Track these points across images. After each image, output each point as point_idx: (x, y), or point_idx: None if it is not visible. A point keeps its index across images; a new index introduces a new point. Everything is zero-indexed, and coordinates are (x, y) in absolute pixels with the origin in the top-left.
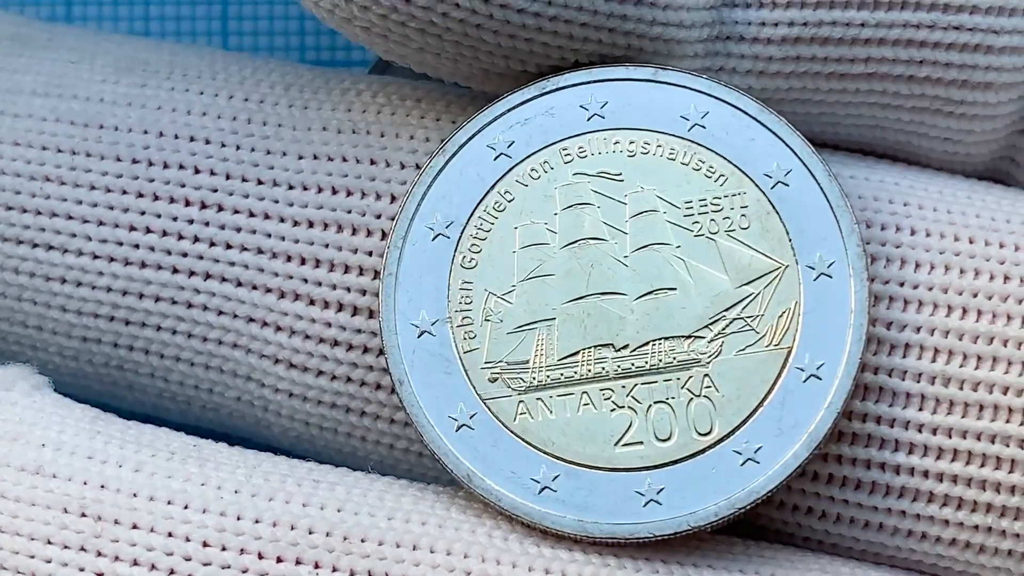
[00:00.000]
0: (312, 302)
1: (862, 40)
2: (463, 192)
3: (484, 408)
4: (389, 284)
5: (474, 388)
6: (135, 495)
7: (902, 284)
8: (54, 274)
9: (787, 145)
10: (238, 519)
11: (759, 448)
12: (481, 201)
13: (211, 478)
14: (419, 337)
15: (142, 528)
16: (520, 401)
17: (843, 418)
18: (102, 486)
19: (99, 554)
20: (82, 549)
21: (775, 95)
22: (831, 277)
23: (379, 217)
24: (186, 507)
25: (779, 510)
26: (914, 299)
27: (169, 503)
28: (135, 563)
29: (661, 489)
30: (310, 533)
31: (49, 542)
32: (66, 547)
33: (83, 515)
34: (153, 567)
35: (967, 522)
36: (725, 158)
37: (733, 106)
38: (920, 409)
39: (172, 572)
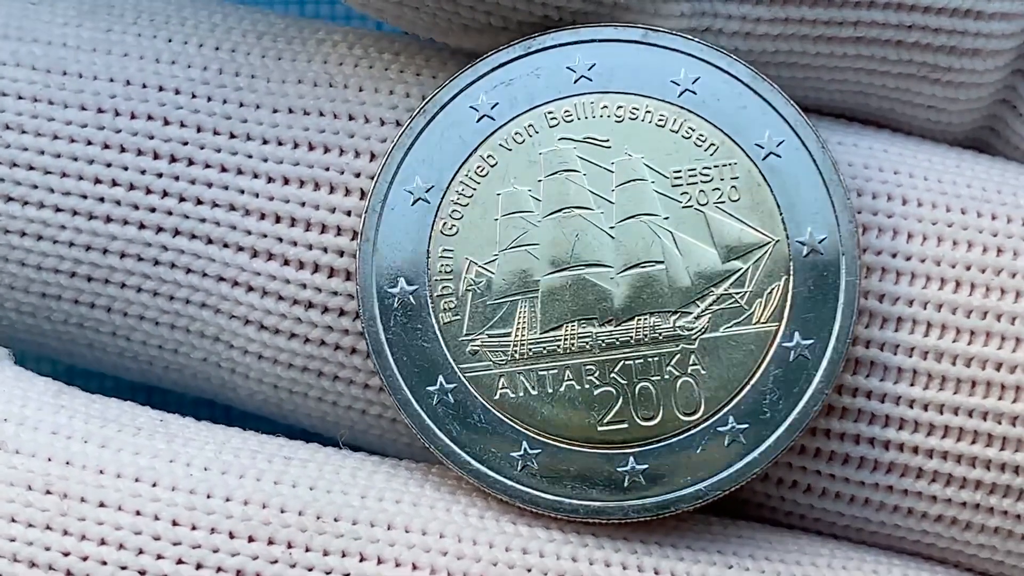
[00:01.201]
0: (287, 262)
1: (851, 2)
2: (444, 155)
3: (464, 382)
4: (366, 250)
5: (454, 361)
6: (102, 472)
7: (894, 255)
8: (13, 227)
9: (780, 114)
10: (208, 497)
11: (745, 428)
12: (463, 165)
13: (180, 455)
14: (397, 306)
15: (109, 506)
16: (501, 375)
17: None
18: (67, 462)
19: (65, 533)
20: (48, 528)
21: (760, 58)
22: (822, 254)
23: (358, 176)
24: (154, 485)
25: (763, 483)
26: (906, 271)
27: (137, 480)
28: (103, 542)
29: (644, 469)
30: (282, 512)
31: (13, 520)
32: (31, 525)
33: (48, 492)
34: (121, 546)
35: (955, 499)
36: (716, 126)
37: (725, 72)
38: (911, 384)
39: (141, 551)
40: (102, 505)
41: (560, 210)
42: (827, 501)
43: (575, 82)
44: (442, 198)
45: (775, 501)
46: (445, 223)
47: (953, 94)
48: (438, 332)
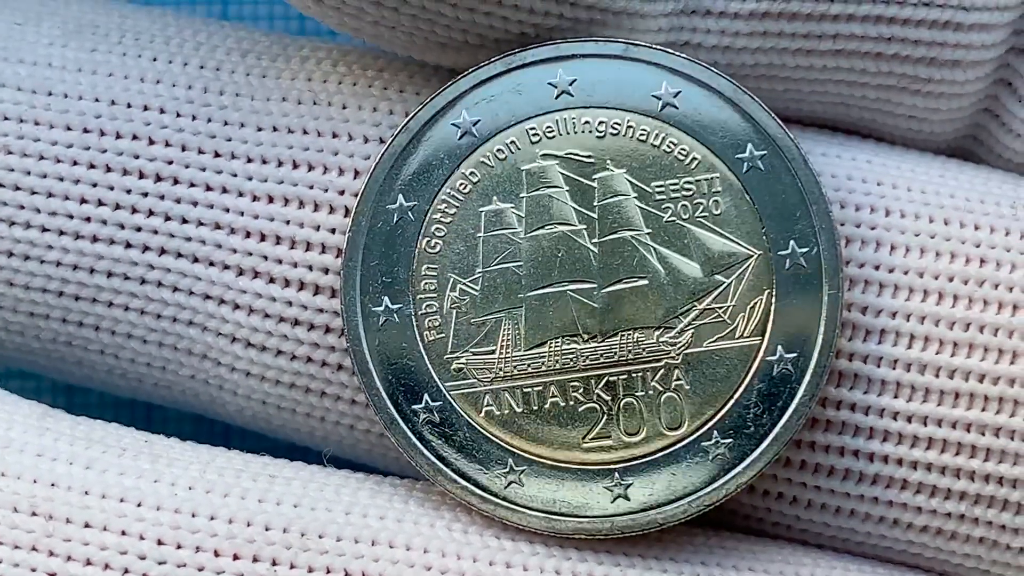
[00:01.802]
0: (272, 280)
1: (830, 16)
2: (427, 173)
3: (449, 399)
4: (351, 269)
5: (439, 379)
6: (87, 493)
7: (877, 267)
8: (0, 247)
9: (761, 127)
10: (193, 516)
11: (729, 443)
12: (445, 182)
13: (164, 475)
14: (382, 324)
15: (95, 527)
16: (486, 393)
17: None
18: (53, 484)
19: (51, 554)
20: (33, 549)
21: (740, 71)
22: (804, 267)
23: (342, 193)
24: (139, 505)
25: (749, 495)
26: (890, 283)
27: (122, 501)
28: (88, 563)
29: (629, 485)
30: (267, 530)
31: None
32: (17, 547)
33: (34, 514)
34: (107, 567)
35: (940, 510)
36: (697, 139)
37: (706, 85)
38: (895, 396)
39: (127, 572)
40: (87, 526)
41: (543, 226)
42: (813, 513)
43: (556, 98)
44: (425, 216)
45: (761, 512)
46: (428, 241)
47: (934, 104)
48: (423, 350)
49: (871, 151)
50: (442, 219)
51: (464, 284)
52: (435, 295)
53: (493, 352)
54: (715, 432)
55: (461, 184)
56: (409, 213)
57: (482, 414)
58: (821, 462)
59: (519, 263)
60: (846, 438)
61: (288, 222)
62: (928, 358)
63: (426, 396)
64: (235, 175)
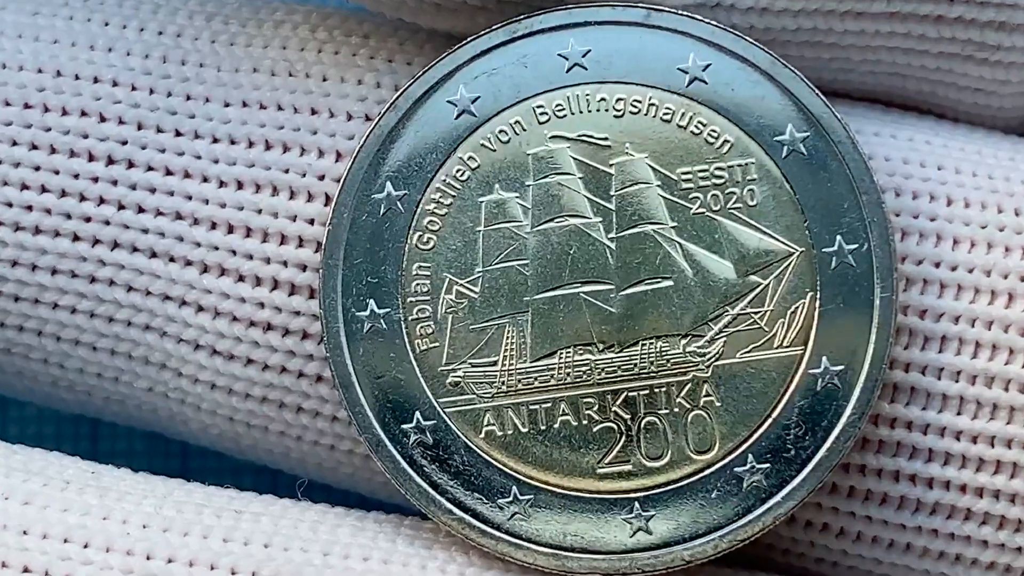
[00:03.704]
0: (241, 278)
1: None
2: (419, 157)
3: (444, 418)
4: (331, 266)
5: (432, 394)
6: (25, 532)
7: (937, 265)
8: None
9: (803, 105)
10: (148, 559)
11: (767, 469)
12: (440, 168)
13: (114, 511)
14: (367, 332)
15: (35, 572)
16: (487, 410)
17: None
18: None
19: None
20: None
21: (780, 36)
22: (853, 265)
23: (322, 178)
24: (86, 546)
25: (789, 527)
26: (952, 283)
27: (66, 541)
28: None
29: (651, 517)
30: (233, 573)
31: None
32: None
33: None
34: None
35: (1009, 543)
36: (730, 120)
37: (740, 57)
38: (958, 413)
39: None
40: (27, 571)
41: (552, 219)
42: (863, 547)
43: (568, 71)
44: (417, 207)
45: (803, 547)
46: (420, 236)
47: (1003, 75)
48: (414, 361)
49: (930, 130)
50: (436, 211)
51: (461, 285)
52: (428, 298)
53: (495, 364)
54: (750, 456)
55: (458, 171)
56: (398, 204)
57: (482, 435)
58: (872, 488)
59: (525, 261)
60: (901, 461)
61: (259, 211)
62: (996, 369)
63: (417, 414)
64: (199, 157)
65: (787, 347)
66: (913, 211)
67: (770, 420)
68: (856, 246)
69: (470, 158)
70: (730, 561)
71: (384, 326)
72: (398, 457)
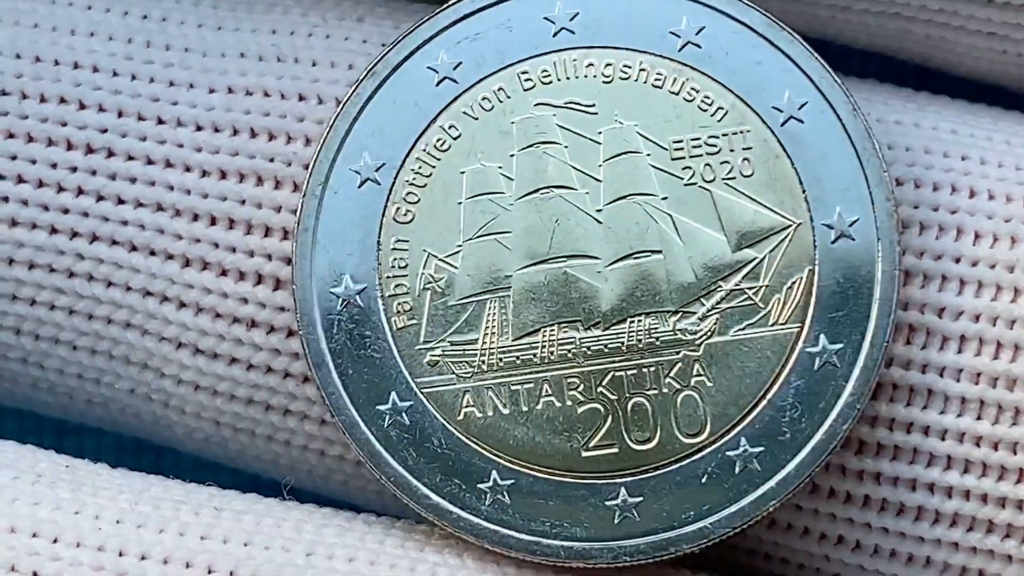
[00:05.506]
0: (224, 272)
1: None
2: (397, 126)
3: (422, 399)
4: (305, 242)
5: (409, 374)
6: None
7: (958, 260)
8: None
9: (802, 71)
10: (120, 555)
11: (760, 452)
12: (420, 138)
13: (87, 505)
14: (342, 308)
15: (0, 568)
16: (466, 391)
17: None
18: None
19: None
20: None
21: None
22: (853, 239)
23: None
24: (55, 541)
25: (770, 530)
26: (972, 279)
27: (35, 536)
28: None
29: (638, 502)
30: (210, 572)
31: None
32: None
33: None
34: None
35: (999, 550)
36: (725, 86)
37: (736, 19)
38: (959, 415)
39: None
40: None
41: (537, 190)
42: (844, 551)
43: (554, 35)
44: (395, 178)
45: (784, 551)
46: (399, 208)
47: (1015, 17)
48: (390, 339)
49: (955, 118)
50: (415, 182)
51: (441, 260)
52: (405, 273)
53: (475, 342)
54: (743, 439)
55: (439, 140)
56: (375, 174)
57: (461, 416)
58: (854, 491)
59: (508, 234)
60: (897, 464)
61: (243, 202)
62: (1017, 371)
63: (393, 395)
64: (181, 146)
65: (783, 324)
66: (933, 203)
67: (764, 401)
68: (857, 218)
69: (451, 127)
70: (710, 568)
71: (360, 303)
72: (372, 439)
